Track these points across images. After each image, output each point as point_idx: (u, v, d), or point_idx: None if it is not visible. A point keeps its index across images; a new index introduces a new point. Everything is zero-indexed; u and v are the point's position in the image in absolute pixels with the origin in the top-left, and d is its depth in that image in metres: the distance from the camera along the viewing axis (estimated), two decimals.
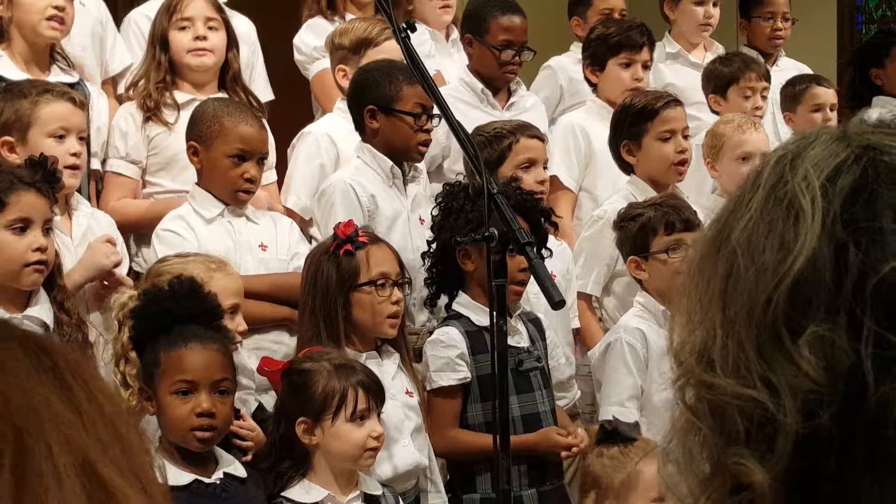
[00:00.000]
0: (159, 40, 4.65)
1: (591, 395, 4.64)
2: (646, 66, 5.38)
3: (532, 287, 3.84)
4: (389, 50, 4.66)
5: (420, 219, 4.39)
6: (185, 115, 4.44)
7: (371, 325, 3.86)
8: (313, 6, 5.33)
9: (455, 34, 5.62)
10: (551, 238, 4.31)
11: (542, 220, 4.15)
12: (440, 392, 4.06)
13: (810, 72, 6.27)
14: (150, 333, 3.28)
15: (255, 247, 4.21)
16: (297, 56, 5.29)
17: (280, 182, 4.80)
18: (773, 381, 0.96)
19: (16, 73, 4.34)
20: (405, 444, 3.85)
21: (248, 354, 3.91)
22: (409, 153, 4.42)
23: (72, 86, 4.40)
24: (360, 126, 4.43)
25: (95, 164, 4.53)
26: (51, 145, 3.94)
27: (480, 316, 4.00)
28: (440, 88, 3.48)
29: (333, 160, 4.65)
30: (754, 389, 0.96)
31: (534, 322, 4.21)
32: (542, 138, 4.76)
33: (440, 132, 4.61)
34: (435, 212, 4.16)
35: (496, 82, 5.23)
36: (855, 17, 8.79)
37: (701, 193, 5.23)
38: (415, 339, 4.17)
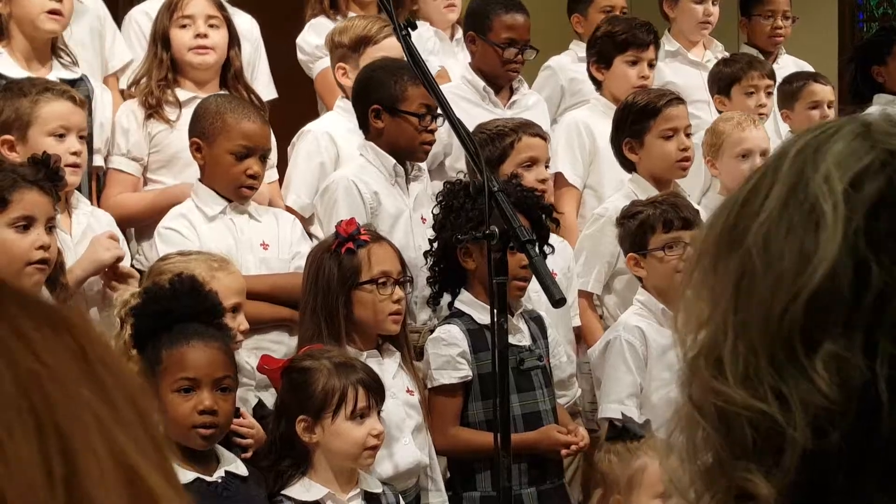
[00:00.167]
0: (161, 38, 4.65)
1: (592, 392, 4.65)
2: (651, 65, 5.39)
3: (534, 285, 3.84)
4: (389, 47, 4.66)
5: (422, 217, 4.40)
6: (187, 113, 4.45)
7: (372, 323, 3.86)
8: (316, 6, 5.33)
9: (459, 34, 5.61)
10: (553, 235, 4.31)
11: (543, 216, 4.15)
12: (441, 390, 4.06)
13: (810, 69, 6.27)
14: (151, 331, 3.28)
15: (256, 246, 4.21)
16: (300, 56, 5.29)
17: (281, 181, 4.80)
18: (785, 394, 0.94)
19: (16, 70, 4.34)
20: (406, 443, 3.85)
21: (248, 354, 3.91)
22: (413, 153, 4.43)
23: (74, 82, 4.40)
24: (364, 124, 4.43)
25: (98, 161, 4.52)
26: (51, 144, 3.94)
27: (482, 314, 4.00)
28: (443, 86, 3.48)
29: (333, 159, 4.65)
30: (765, 402, 0.94)
31: (536, 320, 4.21)
32: (544, 137, 4.76)
33: (442, 130, 4.62)
34: (436, 211, 4.17)
35: (498, 80, 5.22)
36: (856, 16, 8.79)
37: (699, 191, 5.25)
38: (416, 337, 4.17)
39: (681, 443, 1.01)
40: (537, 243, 3.25)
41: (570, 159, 5.23)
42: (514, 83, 5.29)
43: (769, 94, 5.76)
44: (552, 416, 4.11)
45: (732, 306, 0.98)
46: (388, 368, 3.87)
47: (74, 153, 4.00)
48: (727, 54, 6.10)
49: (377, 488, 3.58)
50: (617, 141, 4.96)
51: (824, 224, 0.95)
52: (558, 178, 5.16)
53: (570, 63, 5.89)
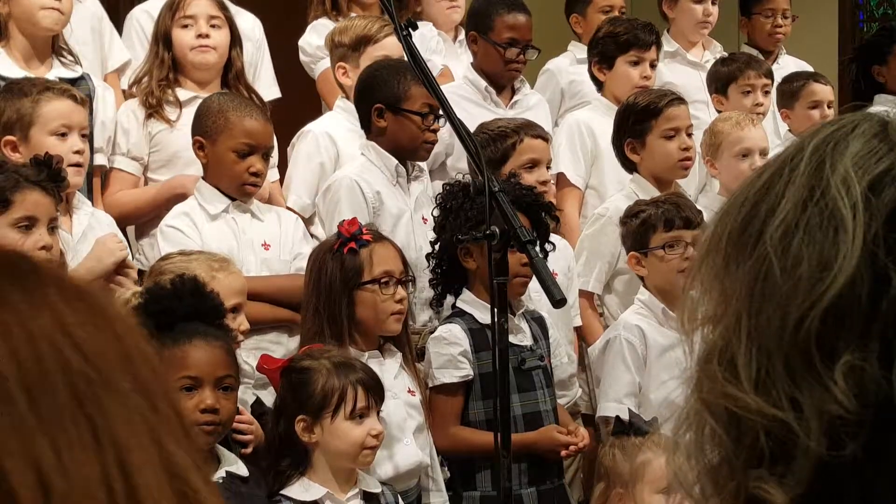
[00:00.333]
0: (162, 38, 4.65)
1: (592, 392, 4.65)
2: (653, 65, 5.40)
3: (535, 286, 3.84)
4: (390, 47, 4.67)
5: (423, 218, 4.40)
6: (187, 113, 4.45)
7: (374, 323, 3.85)
8: (318, 7, 5.33)
9: (462, 35, 5.61)
10: (553, 234, 4.31)
11: (543, 213, 4.15)
12: (442, 389, 4.06)
13: (810, 69, 6.28)
14: (153, 332, 3.28)
15: (257, 246, 4.21)
16: (302, 57, 5.29)
17: (282, 181, 4.80)
18: (800, 401, 0.93)
19: (14, 70, 4.34)
20: (407, 443, 3.85)
21: (247, 354, 3.91)
22: (415, 152, 4.43)
23: (75, 80, 4.41)
24: (366, 124, 4.43)
25: (99, 160, 4.51)
26: (53, 143, 3.95)
27: (483, 313, 4.00)
28: (445, 86, 3.48)
29: (333, 159, 4.65)
30: (780, 409, 0.94)
31: (537, 321, 4.21)
32: (546, 138, 4.76)
33: (444, 130, 4.62)
34: (436, 212, 4.17)
35: (500, 80, 5.22)
36: (856, 16, 8.79)
37: (694, 190, 5.26)
38: (416, 338, 4.17)
39: (688, 440, 1.00)
40: (538, 242, 3.25)
41: (571, 160, 5.24)
42: (516, 83, 5.28)
43: (766, 93, 5.77)
44: (553, 417, 4.12)
45: (747, 308, 0.97)
46: (390, 369, 3.87)
47: (77, 152, 4.00)
48: (726, 55, 6.11)
49: (376, 488, 3.58)
50: (618, 142, 4.96)
51: (843, 230, 0.94)
52: (560, 178, 5.17)
53: (569, 65, 5.89)
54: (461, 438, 4.06)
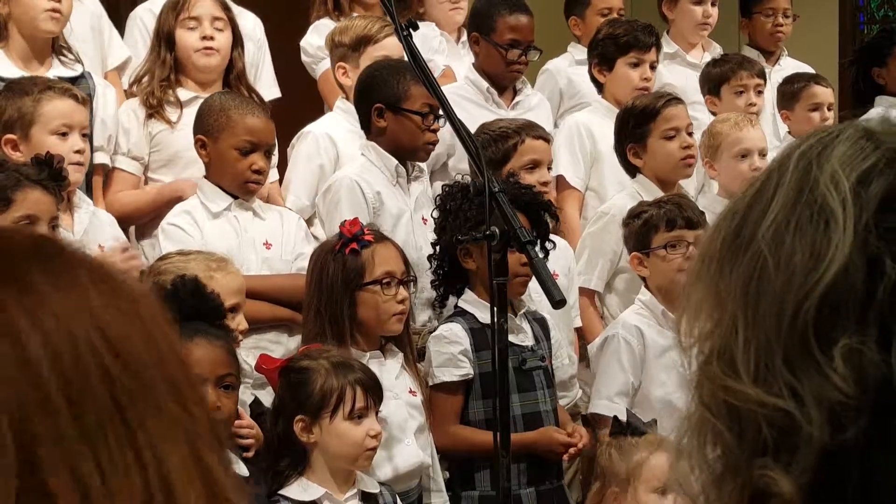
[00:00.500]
0: (165, 38, 4.64)
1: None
2: (653, 67, 5.39)
3: (535, 286, 3.84)
4: (390, 47, 4.67)
5: (423, 218, 4.40)
6: (188, 113, 4.45)
7: (376, 323, 3.85)
8: (320, 8, 5.33)
9: (465, 37, 5.61)
10: (553, 234, 4.31)
11: (542, 212, 4.14)
12: (442, 388, 4.06)
13: (811, 71, 6.28)
14: None
15: (259, 245, 4.21)
16: (303, 58, 5.29)
17: (282, 181, 4.80)
18: (800, 390, 0.94)
19: (13, 71, 4.34)
20: (408, 444, 3.84)
21: (247, 354, 3.91)
22: (415, 152, 4.43)
23: (76, 79, 4.41)
24: (366, 124, 4.43)
25: (100, 159, 4.50)
26: (54, 142, 3.95)
27: (484, 313, 3.99)
28: (446, 86, 3.47)
29: (333, 160, 4.65)
30: (781, 398, 0.94)
31: (539, 321, 4.21)
32: (547, 139, 4.75)
33: (445, 130, 4.62)
34: (435, 214, 4.17)
35: (502, 81, 5.22)
36: (856, 18, 8.79)
37: (693, 191, 5.26)
38: (416, 338, 4.17)
39: (692, 447, 1.00)
40: (538, 241, 3.24)
41: (571, 162, 5.23)
42: (518, 84, 5.28)
43: (759, 93, 5.77)
44: (553, 417, 4.12)
45: (742, 306, 0.98)
46: (391, 369, 3.87)
47: (78, 151, 4.01)
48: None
49: (374, 488, 3.58)
50: (620, 147, 4.96)
51: (834, 221, 0.95)
52: (560, 180, 5.16)
53: (568, 66, 5.89)
54: (461, 437, 4.06)
